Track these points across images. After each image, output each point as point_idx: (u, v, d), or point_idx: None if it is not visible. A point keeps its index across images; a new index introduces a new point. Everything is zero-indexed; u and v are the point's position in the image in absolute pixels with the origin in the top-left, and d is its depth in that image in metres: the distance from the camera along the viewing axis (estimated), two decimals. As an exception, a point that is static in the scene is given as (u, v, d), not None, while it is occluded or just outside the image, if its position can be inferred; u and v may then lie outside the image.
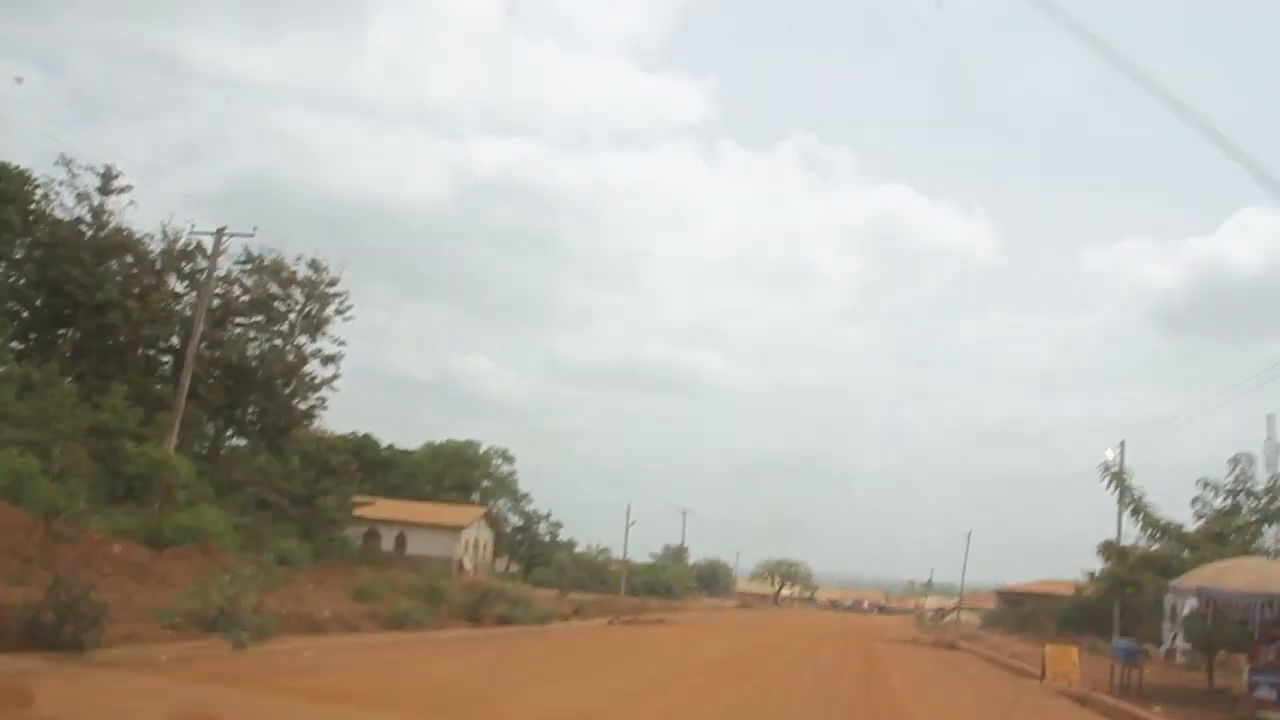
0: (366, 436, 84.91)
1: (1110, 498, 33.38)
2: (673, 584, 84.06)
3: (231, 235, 35.84)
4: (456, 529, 71.61)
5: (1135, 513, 30.49)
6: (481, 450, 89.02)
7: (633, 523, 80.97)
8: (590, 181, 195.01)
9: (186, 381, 34.69)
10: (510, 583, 69.75)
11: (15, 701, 5.98)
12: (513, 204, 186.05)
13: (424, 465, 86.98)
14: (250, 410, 55.68)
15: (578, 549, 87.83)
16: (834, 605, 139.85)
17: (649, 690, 15.36)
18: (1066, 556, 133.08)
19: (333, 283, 56.69)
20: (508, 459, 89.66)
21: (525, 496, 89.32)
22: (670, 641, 29.54)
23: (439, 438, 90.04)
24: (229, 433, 56.35)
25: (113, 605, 18.81)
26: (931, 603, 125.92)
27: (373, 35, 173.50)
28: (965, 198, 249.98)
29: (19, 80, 36.79)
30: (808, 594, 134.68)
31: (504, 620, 32.26)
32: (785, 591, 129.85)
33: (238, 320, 53.39)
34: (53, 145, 42.77)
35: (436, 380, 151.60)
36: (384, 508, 73.81)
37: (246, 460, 49.27)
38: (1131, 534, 35.76)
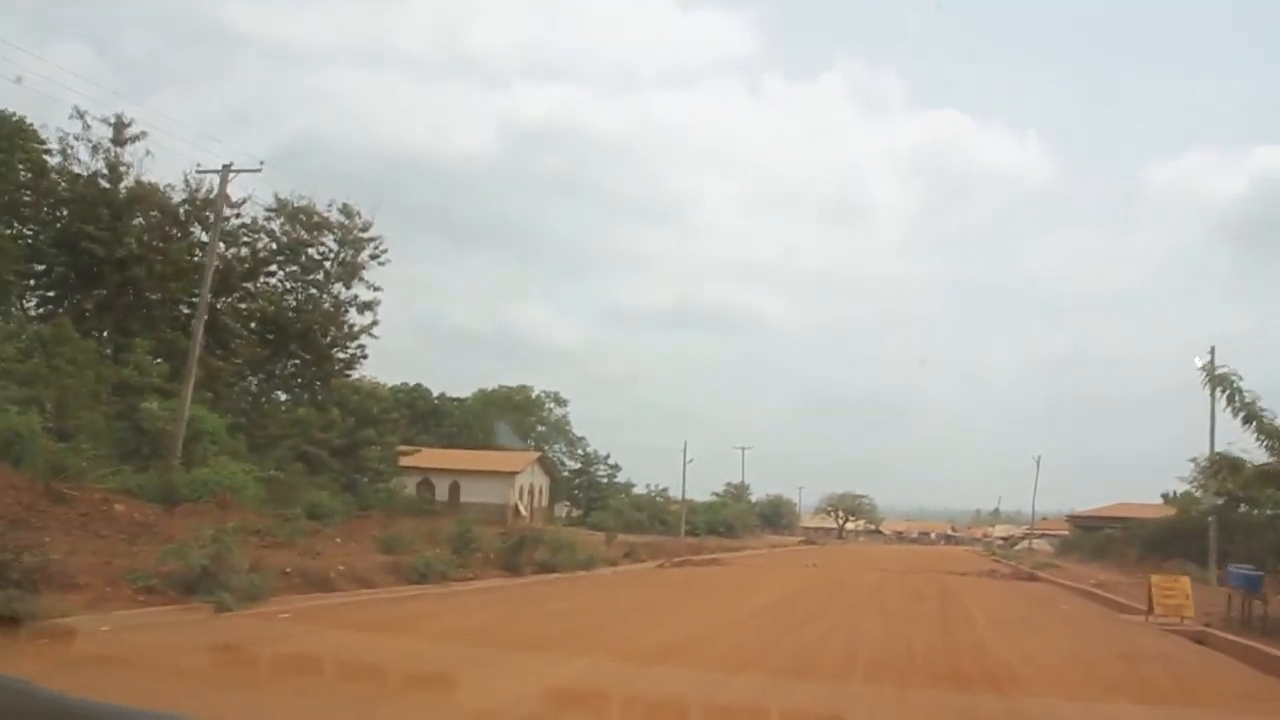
0: (418, 386, 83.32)
1: (1191, 413, 29.77)
2: (733, 522, 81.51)
3: (237, 171, 33.29)
4: (510, 475, 69.54)
5: (1248, 420, 26.57)
6: (534, 395, 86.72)
7: (690, 461, 78.59)
8: (637, 123, 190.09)
9: (200, 329, 32.37)
10: (561, 526, 67.76)
11: None
12: (560, 151, 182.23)
13: (477, 413, 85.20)
14: (291, 363, 53.76)
15: (635, 490, 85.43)
16: (900, 538, 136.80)
17: (679, 650, 12.50)
18: (1140, 479, 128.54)
19: (366, 227, 54.19)
20: (560, 402, 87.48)
21: (581, 440, 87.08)
22: (723, 584, 26.83)
23: (486, 382, 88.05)
24: (269, 387, 54.48)
25: (87, 568, 16.68)
26: (1000, 531, 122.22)
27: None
28: (1018, 119, 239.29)
29: (18, 80, 34.51)
30: (873, 527, 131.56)
31: (545, 568, 29.77)
32: (850, 526, 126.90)
33: (271, 270, 51.24)
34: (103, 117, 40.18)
35: (493, 331, 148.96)
36: (436, 456, 72.05)
37: (282, 413, 47.24)
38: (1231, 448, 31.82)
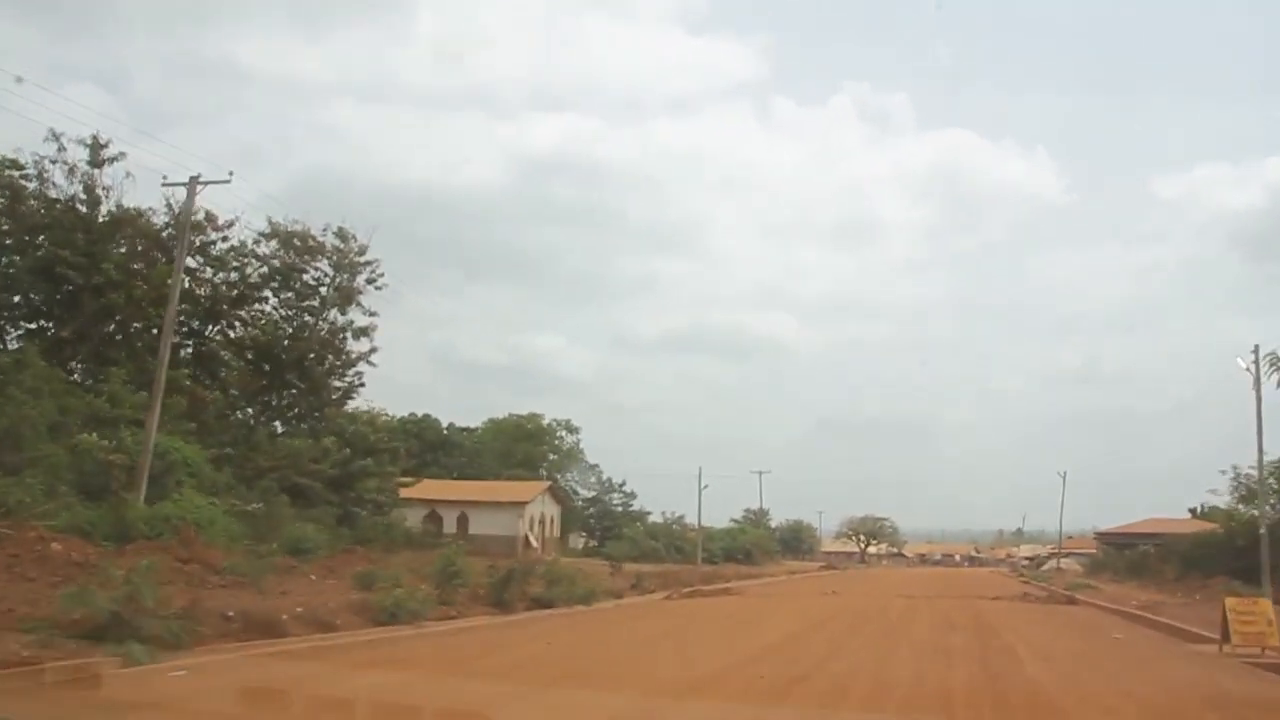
0: (426, 417, 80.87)
1: (1213, 426, 27.10)
2: (751, 549, 78.33)
3: (206, 183, 30.84)
4: (519, 505, 66.77)
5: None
6: (545, 423, 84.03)
7: (705, 487, 75.67)
8: (646, 151, 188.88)
9: (166, 350, 29.97)
10: (573, 557, 64.85)
11: None
12: (570, 180, 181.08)
13: (488, 443, 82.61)
14: (287, 393, 51.33)
15: (651, 518, 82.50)
16: (923, 560, 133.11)
17: (665, 700, 9.73)
18: (1166, 494, 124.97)
19: (362, 251, 51.77)
20: (572, 430, 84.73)
21: (594, 467, 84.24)
22: (732, 617, 23.92)
23: (501, 414, 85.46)
24: (264, 419, 52.00)
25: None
26: (1025, 551, 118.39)
27: (419, 23, 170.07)
28: (1026, 137, 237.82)
29: (19, 80, 32.65)
30: (895, 550, 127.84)
31: (539, 603, 27.01)
32: (872, 549, 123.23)
33: (262, 296, 48.90)
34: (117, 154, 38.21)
35: (507, 362, 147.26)
36: (444, 488, 69.49)
37: (270, 443, 44.72)
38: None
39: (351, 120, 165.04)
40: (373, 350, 52.41)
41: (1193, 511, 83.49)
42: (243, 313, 47.52)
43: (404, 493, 68.63)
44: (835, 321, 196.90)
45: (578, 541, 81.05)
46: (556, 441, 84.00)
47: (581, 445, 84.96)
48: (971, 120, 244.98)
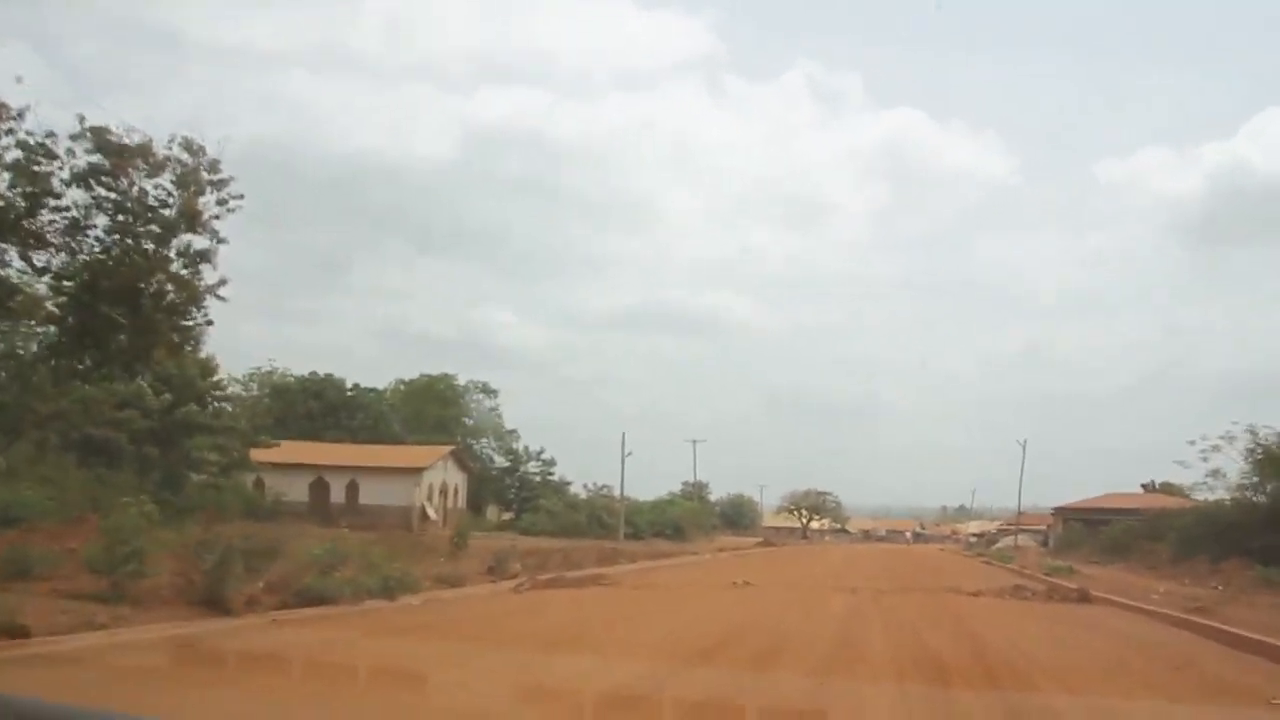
0: (329, 377, 69.99)
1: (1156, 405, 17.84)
2: (681, 522, 68.42)
3: None
4: (415, 471, 56.23)
5: None
6: (459, 384, 73.48)
7: (629, 454, 65.66)
8: (597, 126, 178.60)
9: None
10: (479, 530, 54.70)
11: None
12: (521, 154, 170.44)
13: (397, 406, 71.93)
14: (114, 335, 40.32)
15: (573, 489, 72.31)
16: (867, 536, 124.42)
17: None
18: (1116, 471, 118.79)
19: (213, 166, 40.71)
20: (489, 393, 74.21)
21: (513, 433, 73.84)
22: (571, 631, 13.86)
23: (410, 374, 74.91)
24: (81, 363, 41.02)
25: None
26: (974, 528, 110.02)
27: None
28: (976, 119, 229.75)
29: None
30: (839, 526, 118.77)
31: (308, 598, 16.72)
32: (815, 525, 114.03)
33: (62, 207, 37.86)
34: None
35: (457, 337, 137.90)
36: (332, 452, 58.82)
37: (53, 385, 34.06)
38: None
39: (300, 90, 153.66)
40: (222, 283, 41.41)
41: (1145, 487, 75.92)
42: (32, 224, 36.52)
43: (281, 456, 58.17)
44: (786, 300, 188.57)
45: (495, 514, 70.84)
46: (472, 405, 73.43)
47: (500, 410, 74.51)
48: (922, 101, 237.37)
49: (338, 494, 56.63)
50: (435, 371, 74.13)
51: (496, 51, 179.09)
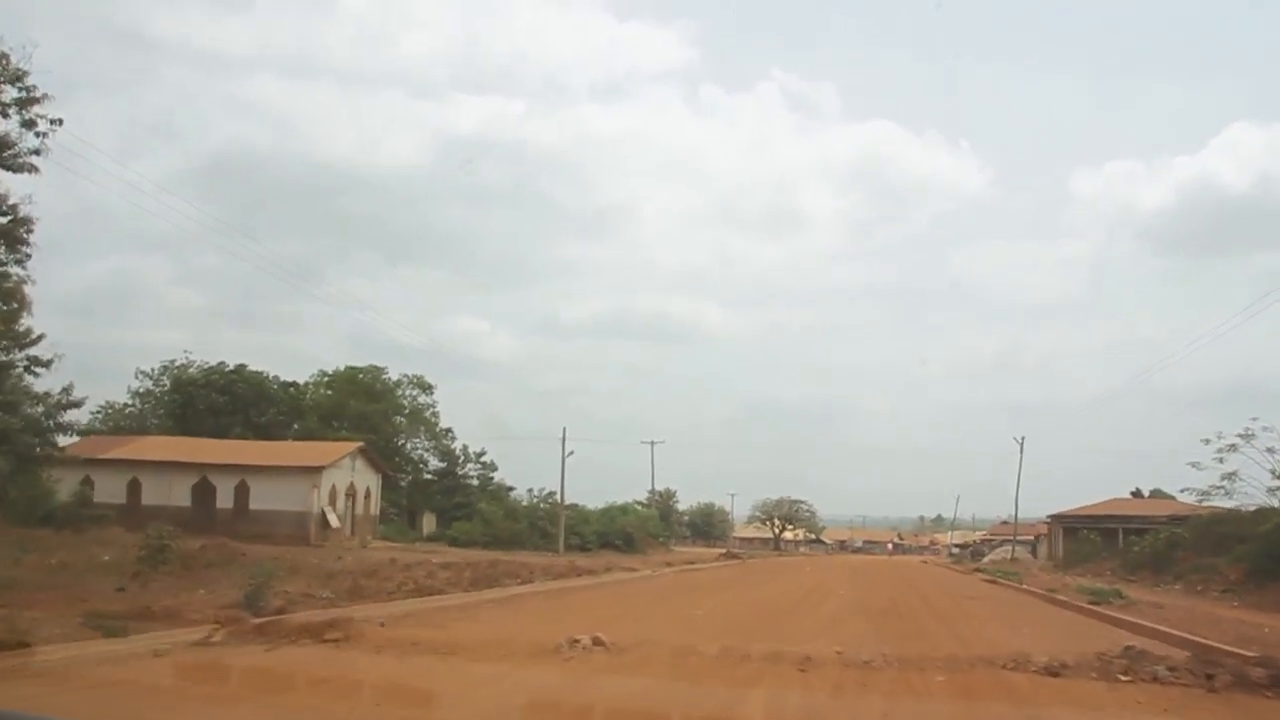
0: (240, 368, 59.05)
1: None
2: (632, 532, 57.59)
3: None
4: (314, 471, 45.38)
5: None
6: (390, 379, 62.64)
7: (570, 454, 55.02)
8: (572, 134, 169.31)
9: None
10: (403, 542, 44.43)
11: None
12: (495, 162, 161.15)
13: (320, 402, 61.07)
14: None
15: (516, 494, 61.49)
16: (843, 547, 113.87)
17: None
18: (1105, 478, 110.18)
19: (17, 77, 30.26)
20: (425, 388, 63.33)
21: (448, 433, 62.98)
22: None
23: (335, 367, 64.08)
24: None
25: None
26: (957, 538, 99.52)
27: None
28: (950, 130, 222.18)
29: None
30: (813, 536, 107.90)
31: None
32: (788, 535, 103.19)
33: None
34: None
35: (428, 345, 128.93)
36: (219, 449, 48.02)
37: None
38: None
39: (272, 95, 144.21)
40: (26, 225, 30.73)
41: (1134, 494, 66.62)
42: None
43: (160, 453, 47.39)
44: (760, 308, 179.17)
45: (431, 522, 60.03)
46: (403, 401, 62.53)
47: (436, 408, 63.66)
48: (897, 112, 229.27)
49: (224, 497, 45.74)
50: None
51: (471, 60, 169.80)
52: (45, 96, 28.30)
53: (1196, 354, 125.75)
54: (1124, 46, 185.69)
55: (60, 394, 30.25)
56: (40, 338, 30.03)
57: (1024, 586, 29.40)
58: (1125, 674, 9.23)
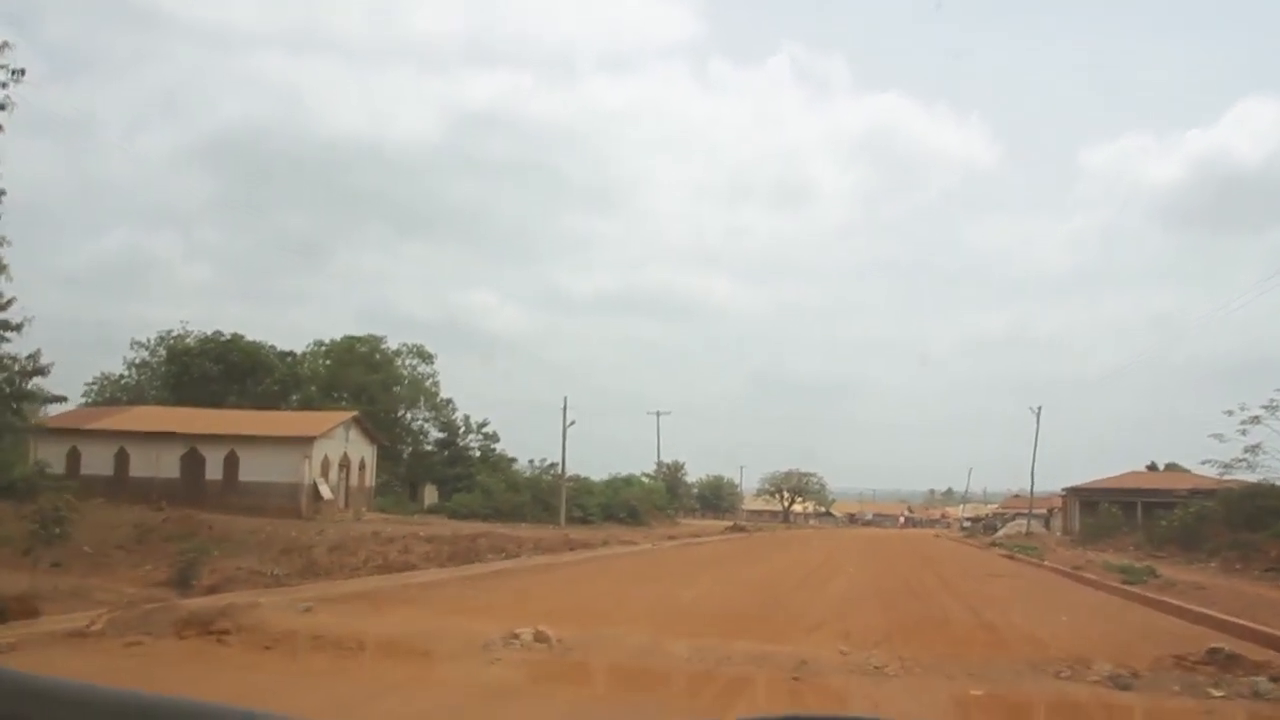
0: (235, 338, 57.09)
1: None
2: (636, 505, 55.53)
3: None
4: (305, 441, 43.41)
5: None
6: (389, 348, 60.61)
7: (571, 424, 52.94)
8: (581, 108, 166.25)
9: None
10: (400, 515, 42.55)
11: None
12: (505, 136, 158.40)
13: (319, 372, 59.10)
14: None
15: (518, 466, 59.47)
16: (853, 520, 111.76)
17: None
18: (1118, 452, 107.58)
19: None
20: (425, 358, 61.29)
21: (448, 404, 60.96)
22: None
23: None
24: None
25: None
26: (967, 512, 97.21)
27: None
28: (961, 103, 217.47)
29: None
30: (823, 509, 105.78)
31: None
32: (797, 508, 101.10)
33: None
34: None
35: (439, 319, 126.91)
36: (209, 419, 46.07)
37: None
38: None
39: (281, 71, 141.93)
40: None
41: (1150, 467, 64.25)
42: None
43: (148, 424, 45.50)
44: (769, 282, 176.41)
45: (433, 495, 58.18)
46: (402, 371, 60.53)
47: (437, 378, 61.63)
48: (907, 84, 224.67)
49: (212, 468, 43.83)
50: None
51: (480, 33, 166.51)
52: (4, 45, 26.12)
53: (1208, 328, 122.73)
54: (1136, 18, 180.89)
55: (26, 360, 28.21)
56: (10, 301, 28.07)
57: (1045, 563, 27.17)
58: (1216, 687, 7.00)
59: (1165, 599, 16.17)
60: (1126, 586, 18.92)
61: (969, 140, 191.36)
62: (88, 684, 1.26)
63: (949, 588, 17.63)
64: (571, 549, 27.51)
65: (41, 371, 28.46)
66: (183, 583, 13.97)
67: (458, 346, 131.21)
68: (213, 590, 14.00)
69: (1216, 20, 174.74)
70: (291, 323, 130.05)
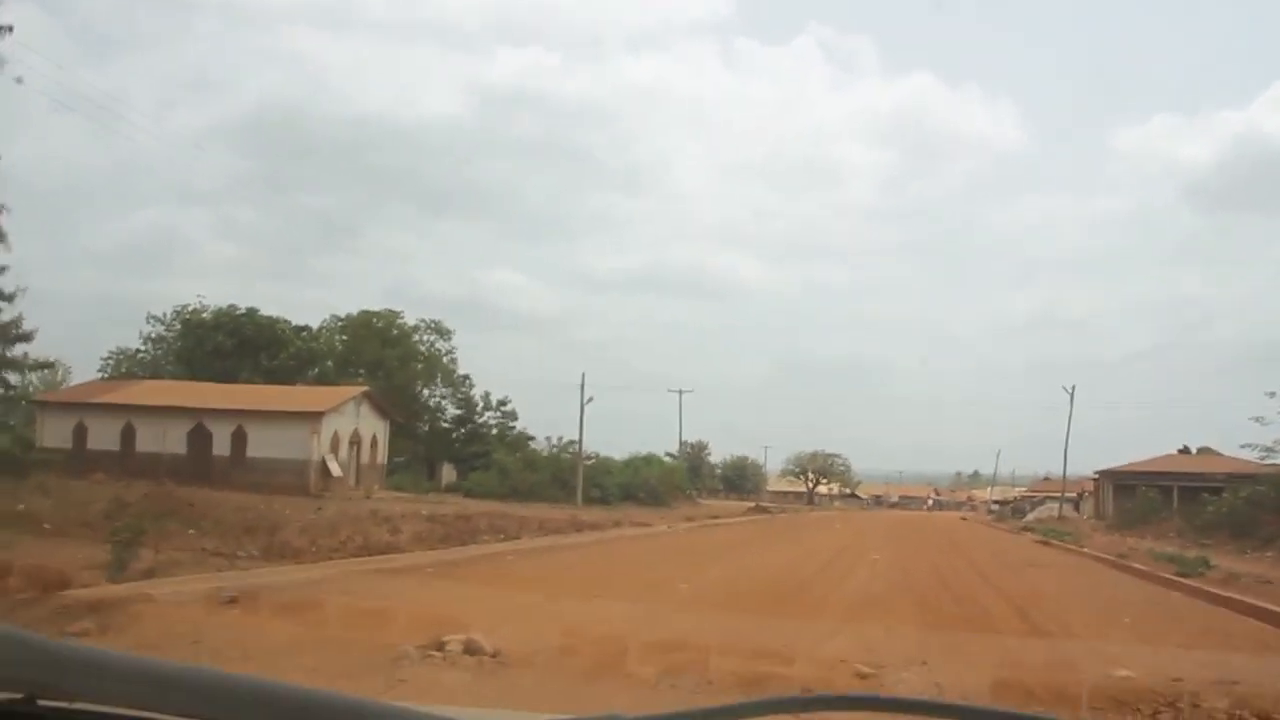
0: (250, 311, 55.72)
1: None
2: (657, 485, 53.69)
3: None
4: (314, 416, 41.91)
5: None
6: (405, 324, 59.03)
7: (589, 400, 51.23)
8: (609, 86, 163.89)
9: None
10: (411, 494, 41.24)
11: None
12: (532, 115, 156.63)
13: (330, 344, 57.68)
14: None
15: (535, 445, 57.73)
16: (879, 502, 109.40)
17: None
18: (1148, 434, 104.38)
19: None
20: (443, 333, 59.69)
21: (465, 380, 59.32)
22: None
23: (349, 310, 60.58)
24: None
25: None
26: (996, 494, 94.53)
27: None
28: (989, 84, 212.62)
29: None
30: (848, 491, 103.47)
31: None
32: (822, 489, 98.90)
33: None
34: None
35: (465, 298, 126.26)
36: (218, 393, 44.62)
37: None
38: None
39: (309, 48, 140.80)
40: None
41: (1183, 450, 61.49)
42: None
43: (155, 398, 44.22)
44: (795, 263, 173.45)
45: (451, 474, 56.69)
46: (420, 347, 58.94)
47: (455, 354, 59.99)
48: (935, 64, 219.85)
49: (223, 444, 42.44)
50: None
51: (508, 11, 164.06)
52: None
53: (1239, 310, 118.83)
54: (1166, 4, 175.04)
55: (9, 324, 26.73)
56: (3, 270, 26.62)
57: (1084, 550, 25.00)
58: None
59: (1234, 595, 14.07)
60: (1182, 579, 16.79)
61: (998, 121, 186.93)
62: (104, 651, 1.22)
63: (987, 580, 15.57)
64: (579, 530, 25.71)
65: (25, 338, 27.00)
66: (119, 565, 12.28)
67: (484, 325, 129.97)
68: (149, 574, 12.32)
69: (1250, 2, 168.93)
70: (319, 301, 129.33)
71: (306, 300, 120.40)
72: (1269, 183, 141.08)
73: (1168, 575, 17.65)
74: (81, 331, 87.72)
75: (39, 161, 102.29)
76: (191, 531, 18.68)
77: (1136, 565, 19.85)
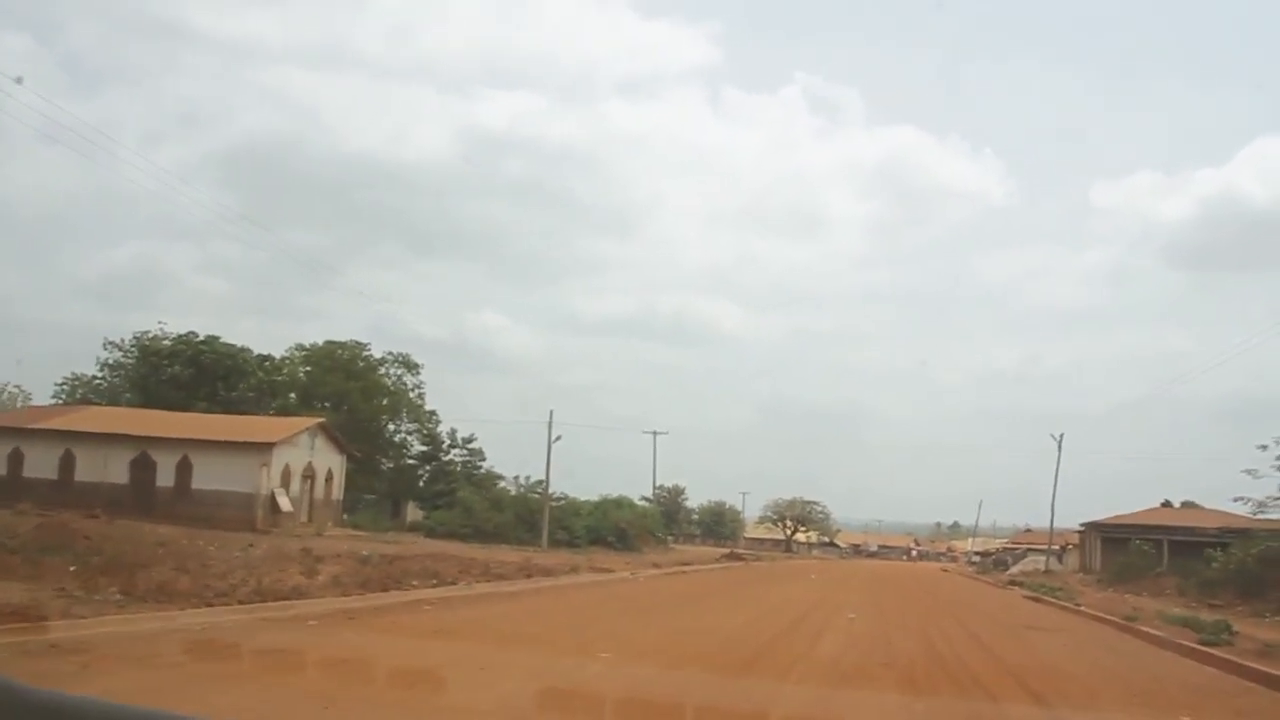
0: (210, 339, 53.04)
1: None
2: (628, 529, 50.83)
3: None
4: (264, 448, 39.13)
5: None
6: (370, 356, 56.38)
7: (558, 439, 48.55)
8: (597, 132, 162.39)
9: None
10: (368, 532, 38.57)
11: None
12: (521, 158, 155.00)
13: (292, 376, 54.94)
14: None
15: (503, 485, 54.93)
16: (858, 551, 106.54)
17: None
18: (1130, 488, 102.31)
19: None
20: (410, 367, 57.03)
21: (432, 414, 56.60)
22: None
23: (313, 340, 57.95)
24: None
25: None
26: (976, 545, 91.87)
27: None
28: (974, 138, 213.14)
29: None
30: (826, 539, 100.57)
31: None
32: (800, 537, 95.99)
33: None
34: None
35: (450, 339, 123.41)
36: (163, 421, 41.87)
37: None
38: None
39: (301, 87, 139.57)
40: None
41: (1165, 504, 59.49)
42: None
43: (98, 425, 41.41)
44: (780, 310, 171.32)
45: (415, 511, 53.76)
46: (387, 381, 56.27)
47: (423, 389, 57.34)
48: (920, 117, 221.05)
49: (164, 474, 39.58)
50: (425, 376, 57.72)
51: (498, 55, 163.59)
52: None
53: (1219, 366, 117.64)
54: (1149, 57, 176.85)
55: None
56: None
57: (1081, 608, 22.46)
58: None
59: (1281, 674, 11.58)
60: (1208, 649, 14.31)
61: (983, 174, 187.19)
62: (88, 697, 1.27)
63: (986, 650, 12.93)
64: (528, 576, 23.01)
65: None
66: None
67: (468, 366, 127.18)
68: None
69: (1228, 62, 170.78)
70: (302, 338, 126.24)
71: (289, 336, 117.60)
72: (1244, 241, 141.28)
73: (1189, 643, 15.15)
74: (65, 362, 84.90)
75: (24, 191, 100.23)
76: (72, 569, 16.01)
77: (1148, 629, 17.33)
